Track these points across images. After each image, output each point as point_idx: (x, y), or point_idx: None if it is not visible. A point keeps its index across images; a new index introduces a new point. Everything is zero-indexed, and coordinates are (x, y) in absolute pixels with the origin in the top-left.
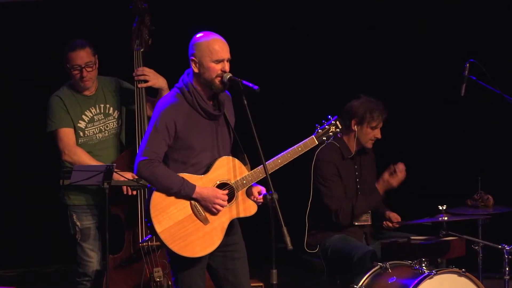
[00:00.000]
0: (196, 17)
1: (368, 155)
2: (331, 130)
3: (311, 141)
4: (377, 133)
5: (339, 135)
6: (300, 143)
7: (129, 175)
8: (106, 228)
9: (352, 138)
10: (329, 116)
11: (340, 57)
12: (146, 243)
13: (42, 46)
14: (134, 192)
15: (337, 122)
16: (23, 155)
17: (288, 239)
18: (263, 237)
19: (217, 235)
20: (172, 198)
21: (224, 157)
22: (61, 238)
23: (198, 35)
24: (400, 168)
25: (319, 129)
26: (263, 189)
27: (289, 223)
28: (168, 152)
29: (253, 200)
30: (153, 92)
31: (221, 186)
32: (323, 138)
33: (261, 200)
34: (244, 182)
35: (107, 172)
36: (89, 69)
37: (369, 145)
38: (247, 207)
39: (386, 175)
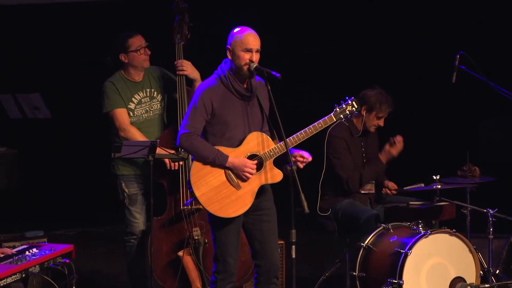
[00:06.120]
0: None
1: (372, 135)
2: (348, 109)
3: (330, 118)
4: (381, 122)
5: (355, 114)
6: (320, 120)
7: (172, 152)
8: (151, 194)
9: (360, 121)
10: (346, 97)
11: (346, 53)
12: (188, 206)
13: (94, 43)
14: (176, 166)
15: (353, 102)
16: (80, 135)
17: (305, 204)
18: (284, 202)
19: (248, 199)
20: (209, 167)
21: (254, 132)
22: (111, 203)
23: (235, 29)
24: (398, 139)
25: (337, 108)
26: (307, 154)
27: (305, 191)
28: (207, 127)
29: (297, 160)
30: (189, 82)
31: (251, 157)
32: (340, 116)
33: (305, 161)
34: (271, 153)
35: (152, 147)
36: (148, 50)
37: (371, 129)
38: (273, 175)
39: (387, 146)
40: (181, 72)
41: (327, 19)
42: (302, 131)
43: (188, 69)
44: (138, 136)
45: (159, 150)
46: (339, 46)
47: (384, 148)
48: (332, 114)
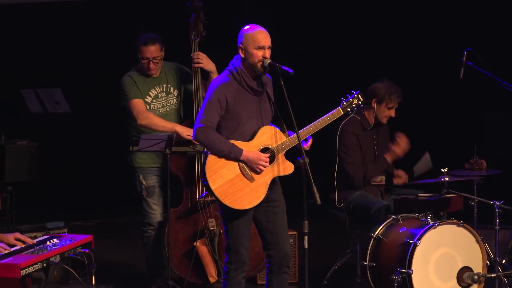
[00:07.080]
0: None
1: (383, 127)
2: (354, 102)
3: (337, 112)
4: (392, 113)
5: (361, 106)
6: (328, 113)
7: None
8: (167, 186)
9: (372, 113)
10: (352, 91)
11: (353, 50)
12: (203, 199)
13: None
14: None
15: (359, 96)
16: (99, 129)
17: (317, 196)
18: (297, 194)
19: (261, 191)
20: (223, 161)
21: (266, 126)
22: (129, 195)
23: (245, 27)
24: (399, 135)
25: (344, 101)
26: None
27: (318, 183)
28: (221, 122)
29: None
30: (205, 76)
31: (264, 150)
32: (348, 109)
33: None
34: (283, 146)
35: (169, 140)
36: (155, 61)
37: (384, 121)
38: (285, 167)
39: (391, 145)
40: (196, 65)
41: (332, 17)
42: (311, 124)
43: (204, 61)
44: (157, 120)
45: (177, 137)
46: (345, 44)
47: (389, 147)
48: (339, 107)
